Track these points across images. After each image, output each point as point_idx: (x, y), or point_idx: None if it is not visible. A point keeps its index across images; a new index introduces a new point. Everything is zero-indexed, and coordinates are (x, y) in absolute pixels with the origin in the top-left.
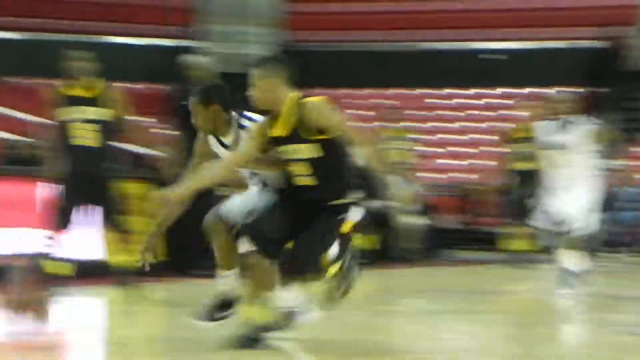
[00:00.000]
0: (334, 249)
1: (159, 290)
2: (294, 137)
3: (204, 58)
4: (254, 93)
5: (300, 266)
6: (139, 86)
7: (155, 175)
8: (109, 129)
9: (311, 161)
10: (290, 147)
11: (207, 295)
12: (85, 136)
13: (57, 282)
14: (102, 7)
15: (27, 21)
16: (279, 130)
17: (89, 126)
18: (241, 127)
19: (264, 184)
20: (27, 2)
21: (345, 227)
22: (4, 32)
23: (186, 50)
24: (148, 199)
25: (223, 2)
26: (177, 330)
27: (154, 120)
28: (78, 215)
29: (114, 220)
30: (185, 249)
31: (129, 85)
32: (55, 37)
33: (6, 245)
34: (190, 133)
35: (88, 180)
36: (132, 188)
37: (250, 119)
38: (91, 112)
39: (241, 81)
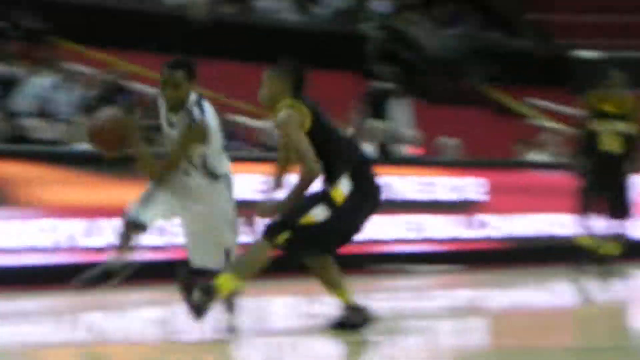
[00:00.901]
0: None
1: None
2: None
3: None
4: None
5: None
6: None
7: None
8: (632, 139)
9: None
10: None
11: None
12: (611, 144)
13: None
14: None
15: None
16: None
17: (614, 136)
18: (200, 106)
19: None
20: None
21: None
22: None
23: None
24: None
25: None
26: None
27: None
28: (598, 205)
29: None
30: None
31: None
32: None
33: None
34: None
35: (609, 179)
36: None
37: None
38: (618, 125)
39: None
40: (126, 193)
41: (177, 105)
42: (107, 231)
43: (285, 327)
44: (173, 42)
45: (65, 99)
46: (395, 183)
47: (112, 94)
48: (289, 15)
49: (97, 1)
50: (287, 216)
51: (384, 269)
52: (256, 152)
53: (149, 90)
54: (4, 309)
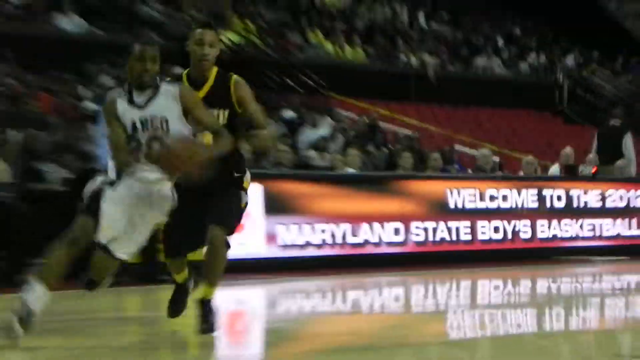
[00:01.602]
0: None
1: None
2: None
3: None
4: (208, 51)
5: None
6: None
7: None
8: None
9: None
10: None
11: None
12: None
13: None
14: None
15: None
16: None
17: None
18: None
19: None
20: None
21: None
22: None
23: None
24: None
25: None
26: None
27: None
28: None
29: None
30: None
31: None
32: None
33: None
34: None
35: None
36: None
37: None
38: None
39: None
40: (378, 204)
41: (147, 81)
42: (366, 232)
43: (492, 302)
44: (411, 93)
45: (334, 136)
46: (579, 194)
47: (369, 133)
48: (500, 70)
49: (357, 64)
50: (236, 210)
51: (570, 259)
52: (472, 174)
53: (397, 129)
54: (290, 288)
